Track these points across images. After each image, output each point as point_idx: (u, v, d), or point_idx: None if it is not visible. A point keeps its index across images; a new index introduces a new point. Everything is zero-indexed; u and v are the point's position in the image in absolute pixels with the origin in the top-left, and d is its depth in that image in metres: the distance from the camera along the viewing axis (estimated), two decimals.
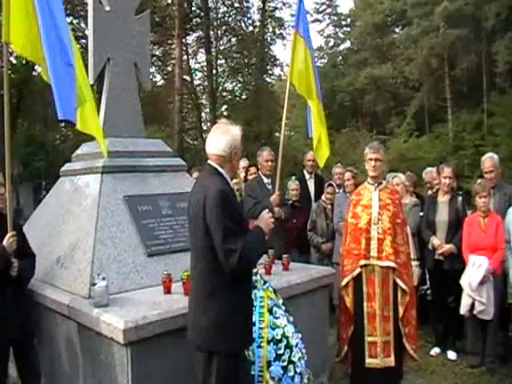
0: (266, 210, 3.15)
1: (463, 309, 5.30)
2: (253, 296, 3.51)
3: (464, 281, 5.26)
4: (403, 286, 4.53)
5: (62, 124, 25.98)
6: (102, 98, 5.06)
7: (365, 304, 4.62)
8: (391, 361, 4.55)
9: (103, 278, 3.54)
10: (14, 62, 19.60)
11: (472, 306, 5.23)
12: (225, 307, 2.88)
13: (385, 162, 4.70)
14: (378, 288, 4.58)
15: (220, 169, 2.99)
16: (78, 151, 5.21)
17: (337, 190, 7.21)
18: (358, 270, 4.65)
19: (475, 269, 5.16)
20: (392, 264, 4.51)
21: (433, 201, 5.96)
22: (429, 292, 6.37)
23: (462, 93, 31.80)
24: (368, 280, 4.62)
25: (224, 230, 2.79)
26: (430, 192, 6.77)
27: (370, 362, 4.58)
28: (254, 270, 3.66)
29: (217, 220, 2.81)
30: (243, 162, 8.42)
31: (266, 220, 3.08)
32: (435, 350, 5.84)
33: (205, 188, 2.92)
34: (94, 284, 3.56)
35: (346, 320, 4.80)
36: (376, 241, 4.59)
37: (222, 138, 3.01)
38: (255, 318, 3.46)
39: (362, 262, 4.62)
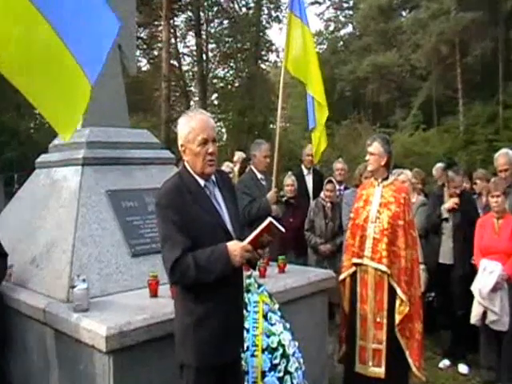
0: (240, 244, 2.82)
1: (474, 318, 5.28)
2: (246, 300, 3.53)
3: (475, 287, 5.25)
4: (401, 295, 4.50)
5: (37, 111, 25.90)
6: None
7: (358, 306, 4.68)
8: (381, 372, 4.54)
9: (83, 280, 3.52)
10: None
11: (484, 315, 5.20)
12: (187, 318, 2.88)
13: (381, 155, 4.69)
14: (370, 290, 4.62)
15: (187, 165, 3.00)
16: (56, 141, 5.18)
17: (337, 187, 7.24)
18: (353, 269, 4.74)
19: (486, 275, 5.15)
20: (383, 268, 4.51)
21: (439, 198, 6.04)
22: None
23: (475, 82, 31.67)
24: (361, 280, 4.68)
25: (161, 236, 2.86)
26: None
27: (359, 367, 4.64)
28: (248, 273, 3.68)
29: (157, 225, 2.94)
30: (238, 155, 8.45)
31: (235, 252, 2.77)
32: (444, 363, 5.82)
33: None
34: (73, 286, 3.55)
35: (344, 319, 4.92)
36: (371, 240, 4.61)
37: None
38: (249, 324, 3.47)
39: (354, 260, 4.70)
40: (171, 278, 2.88)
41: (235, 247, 2.79)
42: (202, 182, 2.97)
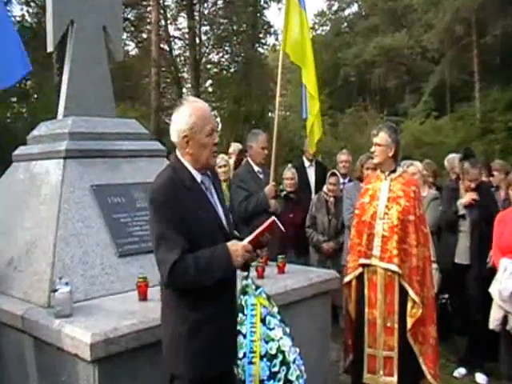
0: (240, 244, 2.87)
1: (493, 323, 5.23)
2: (243, 303, 3.52)
3: (494, 289, 5.20)
4: (413, 297, 4.50)
5: (14, 99, 25.84)
6: (63, 69, 5.02)
7: (366, 310, 4.69)
8: (393, 381, 4.54)
9: (66, 283, 3.52)
10: None
11: (504, 320, 5.15)
12: (180, 326, 2.86)
13: (388, 146, 4.67)
14: (379, 293, 4.62)
15: (181, 158, 2.99)
16: (35, 132, 5.16)
17: (341, 180, 7.24)
18: (359, 270, 4.75)
19: (507, 275, 5.10)
20: (394, 268, 4.51)
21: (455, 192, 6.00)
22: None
23: (493, 65, 31.33)
24: (369, 282, 4.69)
25: (156, 235, 2.83)
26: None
27: (368, 377, 4.64)
28: (245, 274, 3.67)
29: (150, 223, 2.93)
30: (234, 146, 8.46)
31: (237, 252, 2.82)
32: (459, 371, 5.79)
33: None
34: (54, 290, 3.54)
35: (349, 325, 4.93)
36: (380, 238, 4.61)
37: (172, 122, 3.02)
38: (246, 329, 3.46)
39: (362, 261, 4.70)
40: (168, 282, 2.82)
41: (236, 247, 2.80)
42: (198, 177, 2.97)
